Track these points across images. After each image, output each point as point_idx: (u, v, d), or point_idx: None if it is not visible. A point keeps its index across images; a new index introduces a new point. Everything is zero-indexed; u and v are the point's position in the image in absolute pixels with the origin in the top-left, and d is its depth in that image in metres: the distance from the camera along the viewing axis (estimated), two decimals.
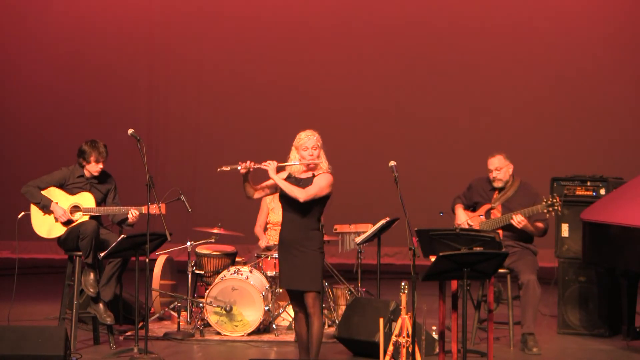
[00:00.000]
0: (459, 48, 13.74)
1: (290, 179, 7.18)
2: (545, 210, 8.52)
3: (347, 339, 8.25)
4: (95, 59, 14.13)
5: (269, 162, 7.08)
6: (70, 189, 8.36)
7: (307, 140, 7.10)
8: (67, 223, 8.28)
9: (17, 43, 14.21)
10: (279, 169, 7.13)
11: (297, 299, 7.19)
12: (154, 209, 7.99)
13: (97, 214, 8.35)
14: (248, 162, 7.08)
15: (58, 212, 8.28)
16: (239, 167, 7.07)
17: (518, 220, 8.49)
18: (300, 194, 7.00)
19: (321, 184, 7.06)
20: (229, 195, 13.29)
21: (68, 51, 14.18)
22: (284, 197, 7.12)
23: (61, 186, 8.36)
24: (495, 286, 8.88)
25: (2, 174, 13.93)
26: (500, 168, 8.76)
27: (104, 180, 8.47)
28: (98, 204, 8.35)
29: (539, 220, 8.65)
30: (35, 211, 8.32)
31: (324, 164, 7.14)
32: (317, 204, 7.07)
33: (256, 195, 7.24)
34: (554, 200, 8.49)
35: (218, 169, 7.21)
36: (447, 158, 13.58)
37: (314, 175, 7.12)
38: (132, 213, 8.24)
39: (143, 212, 8.17)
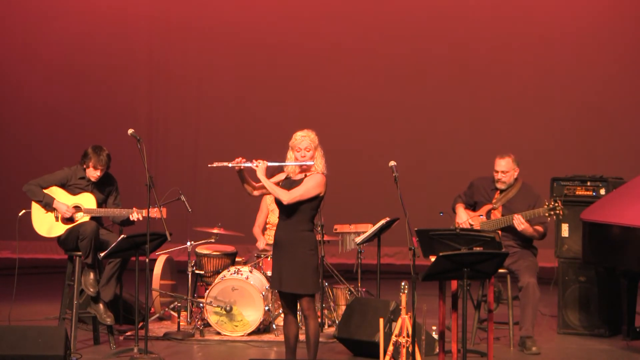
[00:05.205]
0: (460, 48, 13.72)
1: (287, 179, 7.15)
2: (547, 214, 8.51)
3: (347, 339, 8.24)
4: (95, 58, 14.11)
5: (259, 161, 7.00)
6: (72, 189, 8.35)
7: (301, 141, 7.03)
8: (67, 221, 8.27)
9: (19, 43, 14.20)
10: (269, 169, 7.10)
11: (287, 300, 7.15)
12: (154, 212, 7.98)
13: (98, 215, 8.35)
14: (239, 158, 7.06)
15: (62, 208, 8.25)
16: (230, 165, 7.05)
17: (519, 221, 8.47)
18: (284, 196, 6.94)
19: (308, 185, 6.98)
20: (229, 195, 13.31)
21: (69, 51, 14.16)
22: (276, 199, 7.09)
23: (63, 186, 8.36)
24: (495, 286, 8.87)
25: (2, 174, 13.92)
26: (507, 172, 8.74)
27: (106, 182, 8.46)
28: (99, 205, 8.35)
29: (539, 223, 8.62)
30: (36, 210, 8.31)
31: (318, 165, 7.04)
32: (308, 205, 7.00)
33: (256, 193, 7.20)
34: (556, 205, 8.47)
35: (209, 165, 7.19)
36: (447, 158, 13.57)
37: (305, 176, 7.07)
38: (134, 216, 8.23)
39: (144, 215, 8.16)
